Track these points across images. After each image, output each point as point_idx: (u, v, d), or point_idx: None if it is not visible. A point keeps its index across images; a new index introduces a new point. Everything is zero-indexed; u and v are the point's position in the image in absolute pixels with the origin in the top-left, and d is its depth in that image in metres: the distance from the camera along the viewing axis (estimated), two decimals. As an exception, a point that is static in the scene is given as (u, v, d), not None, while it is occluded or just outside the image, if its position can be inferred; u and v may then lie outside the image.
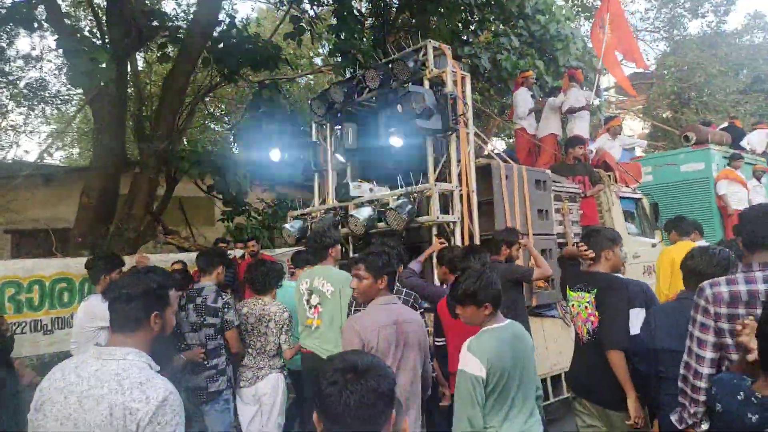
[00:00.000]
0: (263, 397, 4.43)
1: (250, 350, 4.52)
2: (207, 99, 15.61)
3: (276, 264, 4.89)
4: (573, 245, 3.84)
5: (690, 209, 8.92)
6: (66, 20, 8.87)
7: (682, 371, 2.63)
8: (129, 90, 16.31)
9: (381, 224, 5.68)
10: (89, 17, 14.50)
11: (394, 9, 11.73)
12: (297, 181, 15.86)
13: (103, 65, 7.78)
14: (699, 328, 2.56)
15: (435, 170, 5.80)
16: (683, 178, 9.49)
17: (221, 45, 10.02)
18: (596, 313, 3.44)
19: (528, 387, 2.85)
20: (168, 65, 11.27)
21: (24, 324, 6.96)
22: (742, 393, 1.98)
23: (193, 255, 7.45)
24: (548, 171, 6.71)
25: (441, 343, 4.25)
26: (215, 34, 10.14)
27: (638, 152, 11.95)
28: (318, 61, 18.03)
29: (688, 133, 9.87)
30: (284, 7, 12.03)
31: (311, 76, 17.90)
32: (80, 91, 13.15)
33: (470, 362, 2.74)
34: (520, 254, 5.14)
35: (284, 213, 13.34)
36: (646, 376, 3.30)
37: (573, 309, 3.67)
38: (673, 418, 2.66)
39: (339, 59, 10.16)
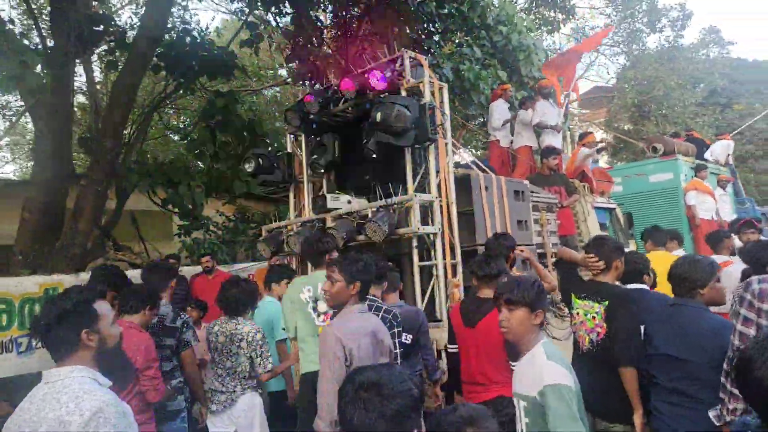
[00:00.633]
0: (238, 419, 4.34)
1: (219, 371, 4.41)
2: (170, 110, 15.39)
3: (250, 284, 4.80)
4: (584, 256, 3.79)
5: (659, 219, 9.21)
6: (-1, 23, 8.56)
7: (725, 366, 2.69)
8: (81, 99, 16.01)
9: (360, 237, 5.66)
10: (25, 20, 14.09)
11: (355, 19, 11.81)
12: (259, 194, 15.81)
13: (36, 70, 7.55)
14: (742, 321, 2.66)
15: (414, 181, 5.83)
16: (652, 188, 9.82)
17: (173, 52, 9.81)
18: (604, 325, 3.47)
19: None
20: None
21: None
22: None
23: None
24: (526, 182, 6.83)
25: (454, 350, 4.18)
26: (165, 39, 9.97)
27: (601, 163, 12.33)
28: (283, 72, 17.95)
29: (656, 144, 10.21)
30: (244, 16, 11.97)
31: (278, 89, 17.83)
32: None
33: (559, 373, 2.47)
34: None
35: (245, 227, 13.22)
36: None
37: (577, 317, 3.69)
38: (712, 414, 2.73)
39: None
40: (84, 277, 8.19)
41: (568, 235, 7.26)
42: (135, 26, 13.30)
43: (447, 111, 6.12)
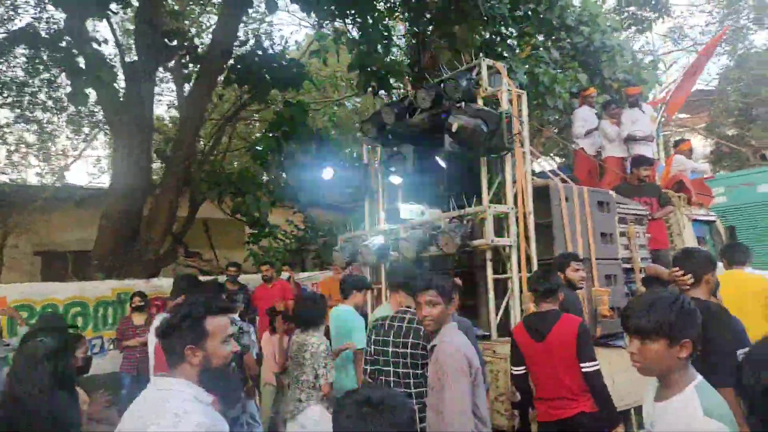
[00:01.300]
0: (305, 428, 4.40)
1: (293, 381, 4.58)
2: (248, 122, 15.90)
3: (323, 300, 4.92)
4: (671, 272, 3.55)
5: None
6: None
7: None
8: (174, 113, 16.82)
9: (433, 248, 5.58)
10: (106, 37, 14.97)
11: (430, 26, 11.72)
12: (330, 203, 16.04)
13: (115, 84, 7.88)
14: None
15: (489, 191, 5.74)
16: (761, 200, 9.12)
17: (244, 65, 10.15)
18: None
19: None
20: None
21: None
22: None
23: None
24: (612, 192, 6.50)
25: (519, 372, 4.11)
26: (238, 52, 10.24)
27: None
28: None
29: (765, 151, 9.52)
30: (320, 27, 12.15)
31: (358, 100, 18.07)
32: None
33: None
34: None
35: (312, 236, 13.40)
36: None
37: None
38: None
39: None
40: (155, 282, 8.59)
41: (661, 250, 6.83)
42: (202, 40, 13.85)
43: (525, 119, 5.96)
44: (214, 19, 15.77)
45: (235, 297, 5.91)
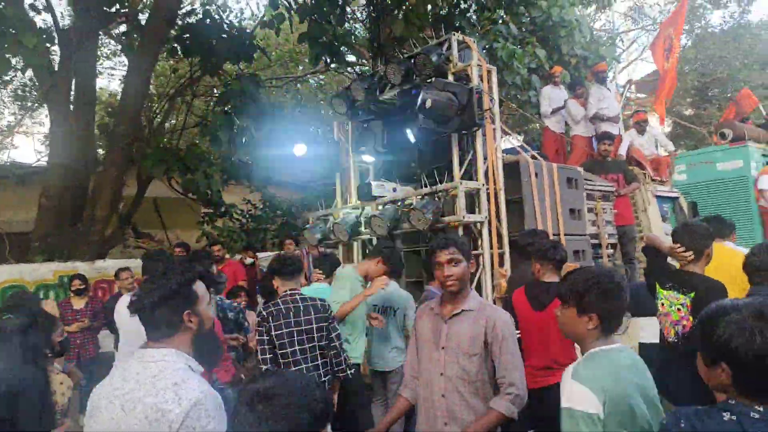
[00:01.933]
0: None
1: None
2: (207, 98, 15.57)
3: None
4: (670, 245, 3.68)
5: (727, 209, 8.89)
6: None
7: None
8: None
9: (405, 225, 5.65)
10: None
11: None
12: (289, 181, 15.88)
13: (33, 50, 7.50)
14: None
15: (460, 168, 5.81)
16: (720, 177, 9.46)
17: (189, 34, 9.71)
18: (690, 318, 3.41)
19: None
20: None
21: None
22: None
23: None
24: (580, 169, 6.67)
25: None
26: (184, 22, 9.83)
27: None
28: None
29: (724, 129, 9.85)
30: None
31: (322, 76, 17.88)
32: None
33: (577, 395, 2.09)
34: None
35: (269, 214, 13.23)
36: None
37: (662, 308, 3.66)
38: None
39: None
40: (99, 264, 8.39)
41: (627, 225, 7.07)
42: (144, 7, 13.19)
43: (496, 95, 6.04)
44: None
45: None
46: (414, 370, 3.18)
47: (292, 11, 9.67)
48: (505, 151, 6.63)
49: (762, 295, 3.15)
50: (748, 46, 21.62)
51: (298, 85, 16.97)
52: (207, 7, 10.45)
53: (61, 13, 11.14)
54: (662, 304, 3.64)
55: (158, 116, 12.91)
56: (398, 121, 6.29)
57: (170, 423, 1.85)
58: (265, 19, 9.86)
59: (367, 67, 14.50)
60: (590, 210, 6.63)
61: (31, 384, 2.97)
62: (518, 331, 4.13)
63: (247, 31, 10.31)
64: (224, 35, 9.71)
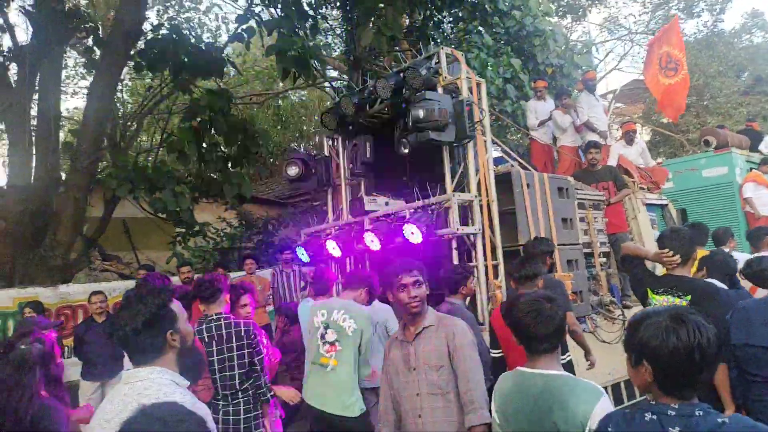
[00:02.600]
0: None
1: None
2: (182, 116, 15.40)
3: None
4: (658, 253, 3.78)
5: (714, 215, 9.08)
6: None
7: None
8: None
9: (398, 239, 5.66)
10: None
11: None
12: (266, 198, 15.69)
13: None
14: None
15: (453, 180, 5.89)
16: (706, 184, 9.67)
17: (155, 50, 9.31)
18: None
19: None
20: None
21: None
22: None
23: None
24: (570, 178, 6.76)
25: (497, 355, 4.30)
26: (152, 36, 9.50)
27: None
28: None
29: (708, 137, 10.07)
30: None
31: (303, 92, 17.87)
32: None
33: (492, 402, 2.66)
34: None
35: (238, 232, 12.94)
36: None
37: None
38: None
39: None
40: (62, 290, 8.08)
41: (619, 233, 7.17)
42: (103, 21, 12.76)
43: (485, 107, 6.12)
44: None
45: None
46: (388, 407, 3.28)
47: (261, 25, 9.49)
48: (495, 160, 6.70)
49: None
50: (722, 53, 22.13)
51: (280, 102, 16.94)
52: (174, 22, 10.24)
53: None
54: None
55: (128, 135, 12.70)
56: (389, 135, 6.33)
57: None
58: (238, 32, 9.61)
59: (344, 82, 14.54)
60: (582, 219, 6.71)
61: (53, 416, 2.92)
62: (498, 351, 4.26)
63: (218, 46, 10.10)
64: (193, 50, 9.43)
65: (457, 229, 5.51)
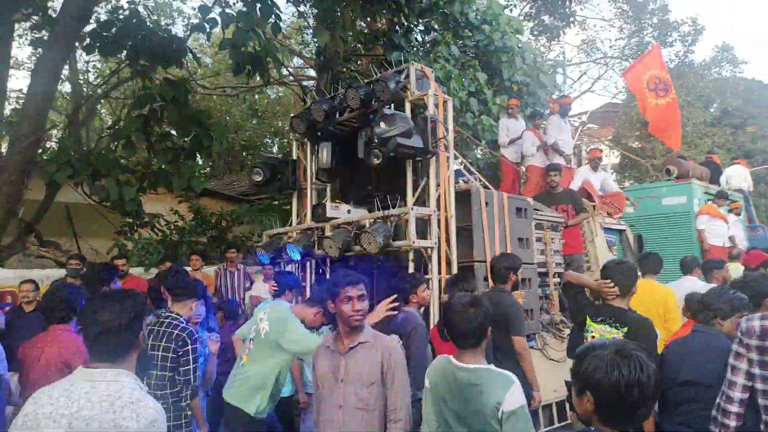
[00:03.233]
0: None
1: None
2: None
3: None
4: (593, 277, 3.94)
5: (670, 243, 9.36)
6: None
7: (717, 400, 3.08)
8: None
9: (356, 247, 5.76)
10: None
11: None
12: (227, 193, 15.49)
13: None
14: (734, 357, 3.07)
15: (413, 194, 5.98)
16: (665, 212, 9.96)
17: (109, 33, 9.19)
18: None
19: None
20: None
21: None
22: None
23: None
24: (530, 199, 6.92)
25: None
26: (108, 19, 9.38)
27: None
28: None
29: (670, 166, 10.37)
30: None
31: (281, 88, 17.77)
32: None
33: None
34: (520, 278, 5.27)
35: (191, 227, 12.64)
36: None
37: (592, 339, 3.76)
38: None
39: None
40: None
41: (575, 254, 7.36)
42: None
43: (450, 125, 6.26)
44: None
45: (76, 295, 5.30)
46: (317, 419, 3.34)
47: (220, 17, 9.32)
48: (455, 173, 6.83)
49: (702, 332, 3.48)
50: (691, 84, 22.73)
51: (256, 96, 16.80)
52: (132, 6, 9.78)
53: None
54: (592, 337, 3.77)
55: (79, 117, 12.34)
56: (355, 144, 6.41)
57: None
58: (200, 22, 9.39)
59: (311, 82, 14.48)
60: (539, 239, 6.87)
61: None
62: None
63: (179, 36, 9.85)
64: (151, 36, 9.23)
65: (413, 242, 5.60)
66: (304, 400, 5.74)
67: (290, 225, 7.18)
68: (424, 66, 6.39)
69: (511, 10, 16.26)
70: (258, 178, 6.97)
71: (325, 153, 6.59)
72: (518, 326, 4.89)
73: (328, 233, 6.10)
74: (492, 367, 2.98)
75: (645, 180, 20.21)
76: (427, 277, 5.72)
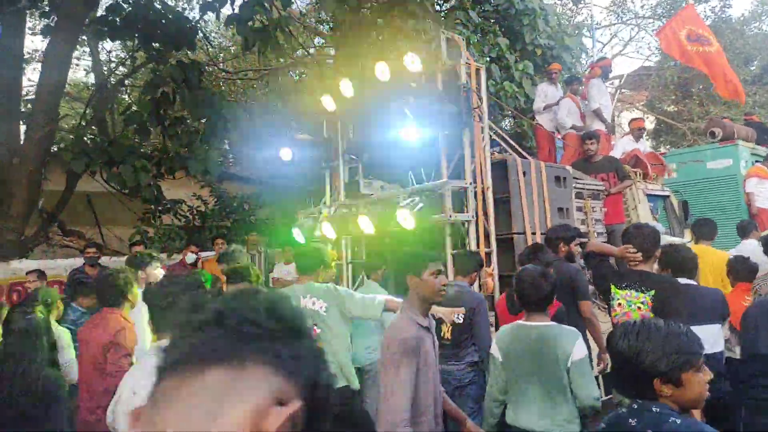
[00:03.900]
0: None
1: None
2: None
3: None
4: (616, 245, 3.88)
5: (717, 207, 9.15)
6: None
7: None
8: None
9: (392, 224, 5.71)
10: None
11: None
12: (244, 176, 15.49)
13: None
14: None
15: (448, 167, 5.93)
16: (710, 176, 9.71)
17: (119, 17, 9.16)
18: (651, 316, 3.52)
19: (548, 385, 3.22)
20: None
21: None
22: None
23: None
24: (569, 167, 6.79)
25: None
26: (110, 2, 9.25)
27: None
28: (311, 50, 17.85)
29: (714, 128, 10.10)
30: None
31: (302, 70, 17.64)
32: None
33: (492, 345, 3.55)
34: (578, 250, 5.16)
35: (223, 211, 12.71)
36: (729, 398, 3.41)
37: (619, 308, 3.76)
38: None
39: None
40: (15, 266, 7.99)
41: (616, 224, 7.20)
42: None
43: (484, 94, 6.14)
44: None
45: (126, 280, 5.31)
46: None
47: None
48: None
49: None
50: (729, 41, 22.05)
51: (279, 78, 16.68)
52: None
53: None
54: (619, 305, 3.74)
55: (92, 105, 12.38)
56: (387, 118, 6.32)
57: None
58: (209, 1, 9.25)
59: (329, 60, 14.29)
60: (579, 209, 6.74)
61: (56, 385, 3.00)
62: None
63: (188, 17, 9.76)
64: (161, 19, 9.19)
65: (450, 216, 5.55)
66: None
67: (324, 204, 7.17)
68: (455, 34, 6.25)
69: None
70: (287, 158, 6.95)
71: (355, 130, 6.54)
72: (584, 292, 4.82)
73: (362, 210, 6.07)
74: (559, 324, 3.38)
75: (682, 145, 19.79)
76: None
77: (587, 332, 4.68)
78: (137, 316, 4.03)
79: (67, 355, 4.25)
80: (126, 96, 16.48)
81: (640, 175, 7.96)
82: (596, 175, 7.35)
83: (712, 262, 5.31)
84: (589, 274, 5.51)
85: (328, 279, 4.68)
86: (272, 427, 0.71)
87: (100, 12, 9.71)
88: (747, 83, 21.35)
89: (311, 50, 16.22)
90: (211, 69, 16.48)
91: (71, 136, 9.94)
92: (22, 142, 9.24)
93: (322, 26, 17.20)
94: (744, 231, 6.51)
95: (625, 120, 18.92)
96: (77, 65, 17.17)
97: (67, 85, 18.99)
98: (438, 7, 12.35)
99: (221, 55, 18.84)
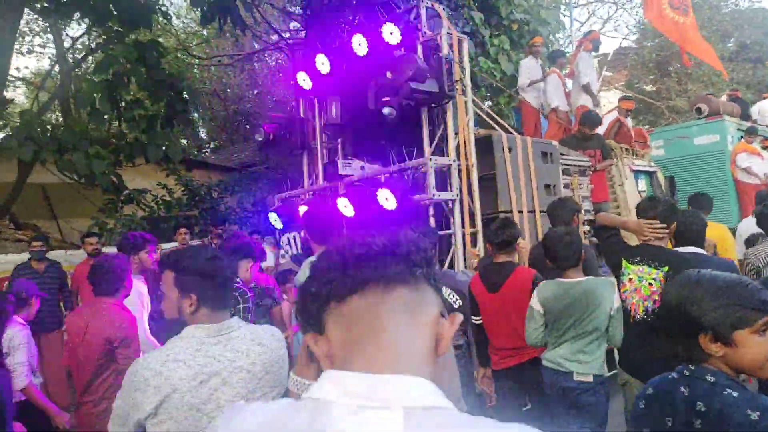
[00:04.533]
0: None
1: None
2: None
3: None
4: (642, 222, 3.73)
5: (705, 183, 9.16)
6: None
7: None
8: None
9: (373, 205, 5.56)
10: None
11: None
12: (219, 163, 15.24)
13: None
14: None
15: (431, 143, 5.80)
16: (697, 152, 9.73)
17: None
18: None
19: (581, 329, 3.58)
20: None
21: None
22: None
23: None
24: (555, 143, 6.69)
25: (477, 322, 4.33)
26: None
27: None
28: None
29: (700, 104, 10.11)
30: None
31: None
32: None
33: (533, 299, 3.77)
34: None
35: (191, 200, 12.47)
36: None
37: (629, 283, 3.64)
38: None
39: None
40: None
41: (602, 202, 7.14)
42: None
43: (467, 66, 5.97)
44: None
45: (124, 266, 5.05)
46: None
47: None
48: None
49: None
50: (707, 17, 22.17)
51: (255, 64, 16.34)
52: None
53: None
54: (630, 280, 3.64)
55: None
56: (365, 95, 6.14)
57: None
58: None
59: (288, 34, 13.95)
60: (566, 186, 6.66)
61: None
62: (479, 318, 4.29)
63: None
64: None
65: (434, 195, 5.44)
66: None
67: (302, 187, 7.01)
68: (435, 2, 6.08)
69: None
70: (260, 138, 6.76)
71: (333, 108, 6.36)
72: (593, 266, 4.68)
73: (341, 192, 5.93)
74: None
75: (660, 123, 19.87)
76: (449, 231, 5.61)
77: None
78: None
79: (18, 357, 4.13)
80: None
81: (625, 150, 7.92)
82: (583, 152, 7.28)
83: (710, 234, 5.29)
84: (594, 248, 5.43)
85: None
86: (448, 333, 1.01)
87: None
88: (724, 59, 21.51)
89: (285, 34, 15.91)
90: (182, 56, 16.12)
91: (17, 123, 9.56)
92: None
93: (293, 8, 16.92)
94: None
95: (605, 100, 18.97)
96: (41, 53, 16.63)
97: (31, 75, 18.52)
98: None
99: (194, 40, 18.39)
